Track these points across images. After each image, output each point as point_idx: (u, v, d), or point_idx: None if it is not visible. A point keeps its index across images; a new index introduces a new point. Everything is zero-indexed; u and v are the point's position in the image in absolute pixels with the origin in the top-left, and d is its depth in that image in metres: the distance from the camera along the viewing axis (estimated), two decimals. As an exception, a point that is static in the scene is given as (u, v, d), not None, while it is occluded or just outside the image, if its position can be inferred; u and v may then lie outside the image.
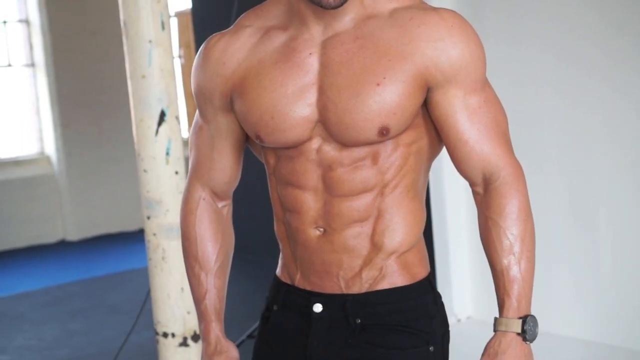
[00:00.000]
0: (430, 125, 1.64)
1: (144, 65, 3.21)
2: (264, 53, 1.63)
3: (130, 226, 8.49)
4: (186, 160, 3.34)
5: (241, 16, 1.71)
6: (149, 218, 3.26)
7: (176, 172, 3.26)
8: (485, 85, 1.61)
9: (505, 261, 1.57)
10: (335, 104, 1.56)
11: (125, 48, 3.25)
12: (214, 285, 1.79)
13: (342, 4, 1.53)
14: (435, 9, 1.58)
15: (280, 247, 1.74)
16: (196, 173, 1.79)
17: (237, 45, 1.66)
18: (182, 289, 3.25)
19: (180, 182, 3.27)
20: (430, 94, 1.59)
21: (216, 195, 1.81)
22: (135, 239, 8.02)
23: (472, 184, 1.64)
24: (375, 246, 1.62)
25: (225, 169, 1.77)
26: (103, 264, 7.31)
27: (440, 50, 1.55)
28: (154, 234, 3.26)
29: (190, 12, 7.14)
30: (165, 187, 3.24)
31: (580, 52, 3.86)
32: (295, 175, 1.63)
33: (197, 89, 1.72)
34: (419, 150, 1.64)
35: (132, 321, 4.22)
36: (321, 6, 1.53)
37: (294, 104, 1.59)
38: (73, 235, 8.36)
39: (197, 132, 1.78)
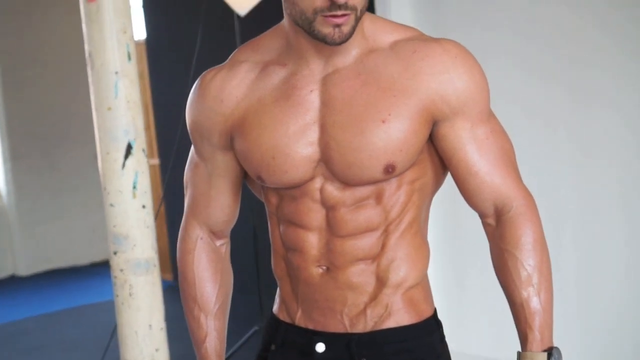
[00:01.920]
0: (435, 159, 1.61)
1: (110, 97, 3.13)
2: (263, 90, 1.58)
3: (83, 260, 8.34)
4: (153, 194, 3.29)
5: (235, 50, 1.66)
6: (115, 253, 3.18)
7: (143, 206, 3.18)
8: (490, 115, 1.59)
9: (524, 293, 1.54)
10: (337, 143, 1.52)
11: (90, 79, 3.17)
12: (214, 328, 1.75)
13: (346, 40, 1.48)
14: (436, 40, 1.56)
15: (279, 285, 1.69)
16: (193, 211, 1.74)
17: (235, 82, 1.61)
18: (150, 325, 3.17)
19: (148, 217, 3.19)
20: (436, 127, 1.56)
21: (214, 233, 1.76)
22: (87, 273, 7.87)
23: (483, 216, 1.61)
24: (380, 281, 1.59)
25: (224, 207, 1.72)
26: (56, 299, 7.14)
27: (446, 83, 1.52)
28: (121, 270, 3.17)
29: (144, 42, 7.06)
30: (132, 221, 3.16)
31: (544, 63, 3.84)
32: (298, 215, 1.59)
33: (194, 126, 1.67)
34: (422, 186, 1.61)
35: (92, 358, 4.11)
36: (326, 42, 1.47)
37: (295, 144, 1.54)
38: (23, 270, 8.18)
39: (193, 169, 1.73)
